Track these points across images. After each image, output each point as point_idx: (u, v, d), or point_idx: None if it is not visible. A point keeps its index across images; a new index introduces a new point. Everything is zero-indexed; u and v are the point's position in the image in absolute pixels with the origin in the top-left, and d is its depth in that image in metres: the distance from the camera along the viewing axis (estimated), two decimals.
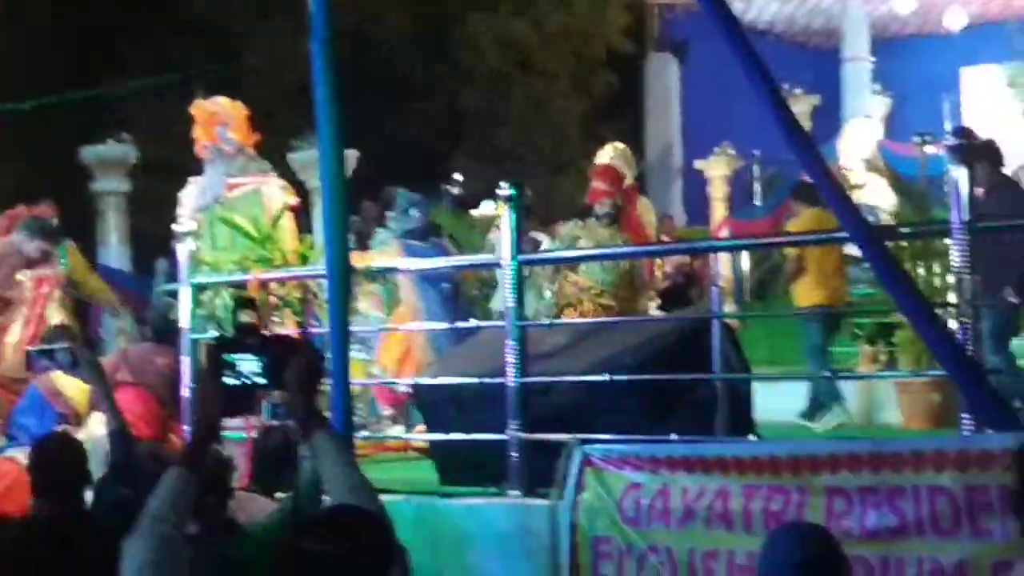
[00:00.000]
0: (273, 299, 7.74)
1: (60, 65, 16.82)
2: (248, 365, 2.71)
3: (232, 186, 9.32)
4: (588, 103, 22.04)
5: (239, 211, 9.06)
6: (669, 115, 21.88)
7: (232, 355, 2.71)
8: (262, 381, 2.72)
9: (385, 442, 8.45)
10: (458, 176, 15.48)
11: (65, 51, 18.10)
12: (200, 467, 2.74)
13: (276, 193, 9.32)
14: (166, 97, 14.42)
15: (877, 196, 13.82)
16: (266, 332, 2.81)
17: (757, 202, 19.33)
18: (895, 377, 9.71)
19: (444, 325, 8.52)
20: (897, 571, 4.83)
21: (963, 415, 5.27)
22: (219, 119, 9.30)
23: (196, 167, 9.69)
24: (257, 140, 9.56)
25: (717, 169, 19.89)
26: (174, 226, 7.86)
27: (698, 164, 20.37)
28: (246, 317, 2.63)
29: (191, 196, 9.43)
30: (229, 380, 2.70)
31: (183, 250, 7.59)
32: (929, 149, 14.46)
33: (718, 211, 19.63)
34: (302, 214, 9.83)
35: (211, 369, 2.73)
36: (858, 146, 17.81)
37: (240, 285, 7.58)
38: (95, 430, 7.21)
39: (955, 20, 18.60)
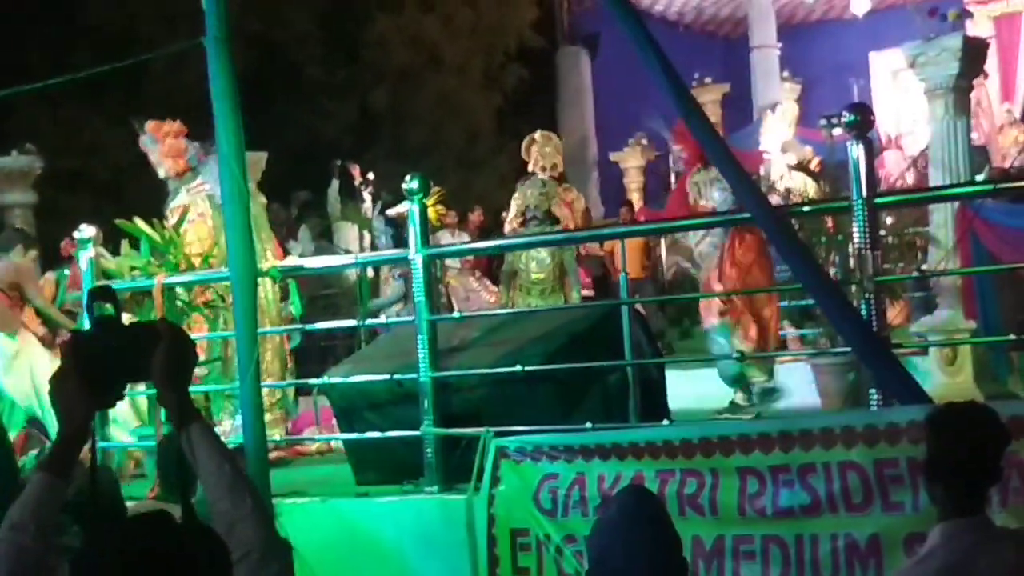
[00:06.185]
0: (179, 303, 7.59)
1: None
2: (110, 357, 2.54)
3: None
4: (500, 98, 21.98)
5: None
6: (583, 108, 21.87)
7: (93, 348, 2.53)
8: (126, 373, 2.54)
9: (300, 444, 8.31)
10: (370, 175, 15.35)
11: None
12: (68, 472, 2.53)
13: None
14: (70, 107, 14.11)
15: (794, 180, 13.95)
16: (127, 322, 2.59)
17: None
18: (795, 357, 9.67)
19: (351, 323, 8.53)
20: (812, 548, 4.84)
21: (870, 390, 5.31)
22: (176, 131, 8.73)
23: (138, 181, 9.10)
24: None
25: (632, 160, 19.94)
26: (75, 233, 7.64)
27: (613, 156, 20.41)
28: (104, 307, 2.38)
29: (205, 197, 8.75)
30: (91, 374, 2.51)
31: (84, 258, 7.43)
32: (836, 132, 14.62)
33: (634, 202, 19.68)
34: None
35: (71, 364, 2.54)
36: (776, 131, 17.88)
37: (145, 291, 7.42)
38: None
39: (860, 5, 18.80)
